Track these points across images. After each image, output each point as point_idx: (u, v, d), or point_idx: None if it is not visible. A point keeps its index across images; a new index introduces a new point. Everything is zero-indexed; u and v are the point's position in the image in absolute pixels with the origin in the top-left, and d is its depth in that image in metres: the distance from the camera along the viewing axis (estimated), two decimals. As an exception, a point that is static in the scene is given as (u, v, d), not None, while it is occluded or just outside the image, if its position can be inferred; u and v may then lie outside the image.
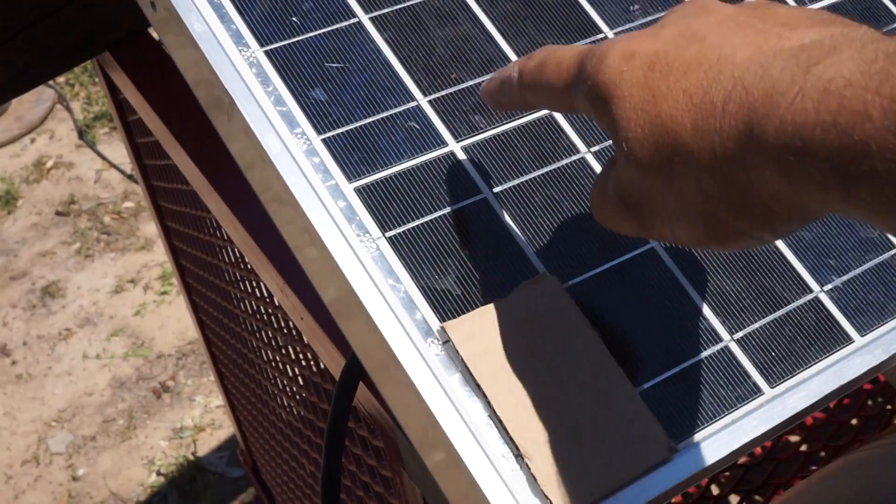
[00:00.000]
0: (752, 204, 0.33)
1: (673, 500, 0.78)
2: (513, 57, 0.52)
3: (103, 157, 2.82)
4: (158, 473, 1.99)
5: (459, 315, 0.45)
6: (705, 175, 0.33)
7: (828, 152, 0.29)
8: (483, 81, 0.50)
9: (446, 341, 0.44)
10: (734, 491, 0.71)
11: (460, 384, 0.43)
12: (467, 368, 0.43)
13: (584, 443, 0.42)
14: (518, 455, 0.42)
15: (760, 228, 0.34)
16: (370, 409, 0.57)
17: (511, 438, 0.42)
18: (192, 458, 2.01)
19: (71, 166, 2.82)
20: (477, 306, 0.45)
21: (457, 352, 0.43)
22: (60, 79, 3.11)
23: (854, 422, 0.70)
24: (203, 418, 2.09)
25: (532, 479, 0.41)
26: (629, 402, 0.44)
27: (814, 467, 0.73)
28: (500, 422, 0.42)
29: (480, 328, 0.44)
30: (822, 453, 0.71)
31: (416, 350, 0.43)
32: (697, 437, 0.44)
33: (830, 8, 0.57)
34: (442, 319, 0.44)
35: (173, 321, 2.31)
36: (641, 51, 0.37)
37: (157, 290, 2.40)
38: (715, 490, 0.73)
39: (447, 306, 0.45)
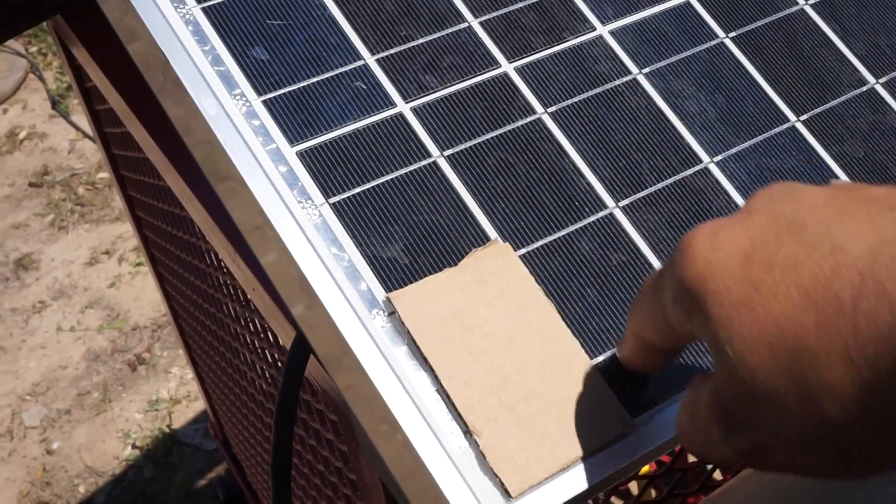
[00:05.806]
0: None
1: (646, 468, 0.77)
2: (465, 12, 0.50)
3: (77, 128, 2.78)
4: (134, 446, 1.97)
5: (406, 285, 0.42)
6: (841, 385, 0.28)
7: None
8: (433, 38, 0.48)
9: (392, 312, 0.42)
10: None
11: (407, 357, 0.41)
12: (413, 341, 0.41)
13: (536, 417, 0.40)
14: (467, 431, 0.40)
15: None
16: (322, 384, 0.55)
17: (459, 414, 0.40)
18: (167, 430, 1.99)
19: (44, 137, 2.78)
20: (425, 275, 0.43)
21: (403, 323, 0.41)
22: (33, 48, 3.06)
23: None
24: (179, 390, 2.06)
25: (481, 457, 0.39)
26: (585, 375, 0.42)
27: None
28: (448, 396, 0.40)
29: (428, 298, 0.42)
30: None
31: (359, 322, 0.41)
32: (656, 409, 0.42)
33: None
34: (388, 290, 0.42)
35: (149, 293, 2.28)
36: (733, 240, 0.31)
37: (132, 262, 2.37)
38: (692, 458, 0.72)
39: (394, 276, 0.42)
